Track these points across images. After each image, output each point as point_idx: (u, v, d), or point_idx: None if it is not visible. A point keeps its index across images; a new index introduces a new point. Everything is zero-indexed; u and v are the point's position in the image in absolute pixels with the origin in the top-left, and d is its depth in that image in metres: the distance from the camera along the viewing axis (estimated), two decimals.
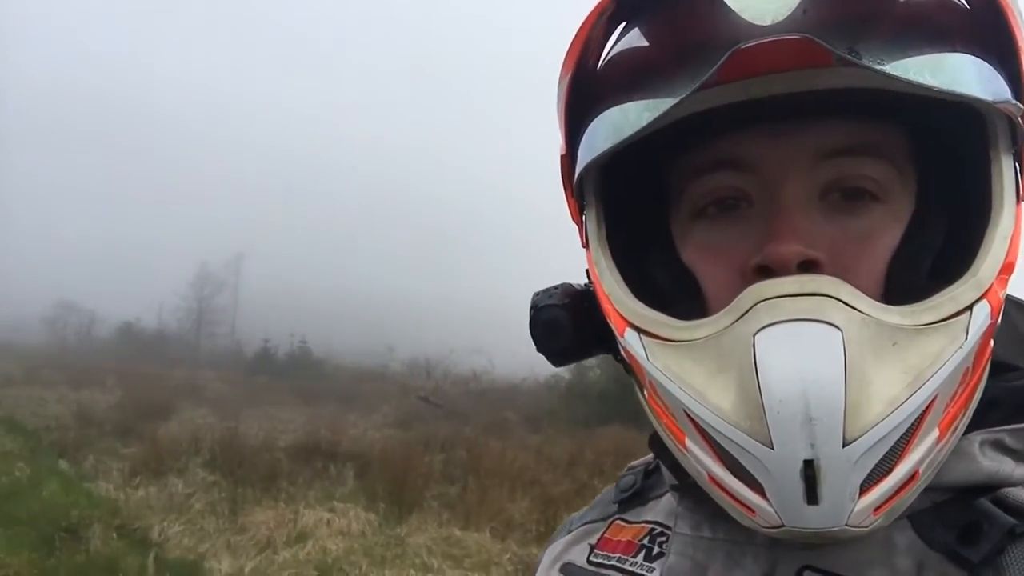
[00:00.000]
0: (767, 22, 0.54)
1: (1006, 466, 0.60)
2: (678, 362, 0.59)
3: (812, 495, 0.51)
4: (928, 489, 0.58)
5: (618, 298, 0.65)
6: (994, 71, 0.56)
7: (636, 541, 0.78)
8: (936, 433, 0.54)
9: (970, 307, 0.56)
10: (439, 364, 22.25)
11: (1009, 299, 0.66)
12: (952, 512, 0.59)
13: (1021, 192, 0.60)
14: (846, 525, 0.52)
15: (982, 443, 0.61)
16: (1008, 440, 0.61)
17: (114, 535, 7.05)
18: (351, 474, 10.46)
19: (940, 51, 0.54)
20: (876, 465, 0.52)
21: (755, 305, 0.55)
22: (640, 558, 0.75)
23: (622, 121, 0.59)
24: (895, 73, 0.51)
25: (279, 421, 15.29)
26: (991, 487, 0.59)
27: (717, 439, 0.56)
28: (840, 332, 0.52)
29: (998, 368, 0.64)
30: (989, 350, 0.60)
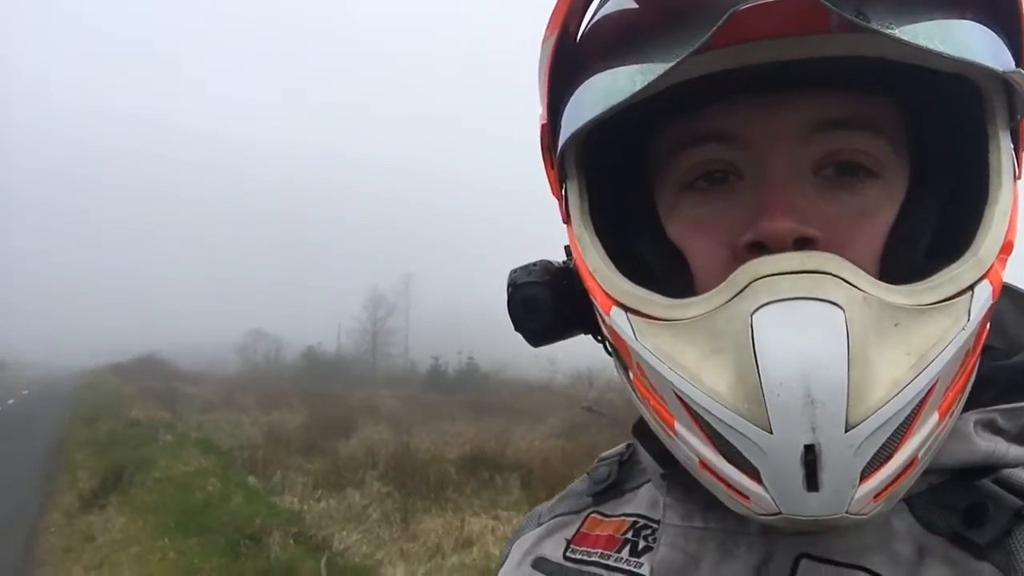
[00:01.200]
0: None
1: (1000, 447, 0.58)
2: (669, 342, 0.56)
3: (812, 481, 0.48)
4: (925, 471, 0.55)
5: (603, 275, 0.62)
6: (999, 41, 0.53)
7: (618, 535, 0.73)
8: (936, 417, 0.52)
9: (972, 287, 0.53)
10: (601, 374, 22.19)
11: None
12: (951, 494, 0.57)
13: (1019, 171, 0.58)
14: (846, 512, 0.49)
15: (976, 423, 0.59)
16: (1000, 420, 0.59)
17: (291, 542, 7.59)
18: (516, 483, 10.71)
19: (948, 16, 0.51)
20: (878, 450, 0.49)
21: (752, 283, 0.53)
22: (625, 553, 0.71)
23: (612, 87, 0.55)
24: (905, 38, 0.48)
25: (449, 435, 15.80)
26: (987, 468, 0.57)
27: (711, 423, 0.53)
28: (842, 311, 0.50)
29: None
30: (986, 331, 0.57)
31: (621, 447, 0.84)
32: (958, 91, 0.56)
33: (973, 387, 0.58)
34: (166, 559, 7.30)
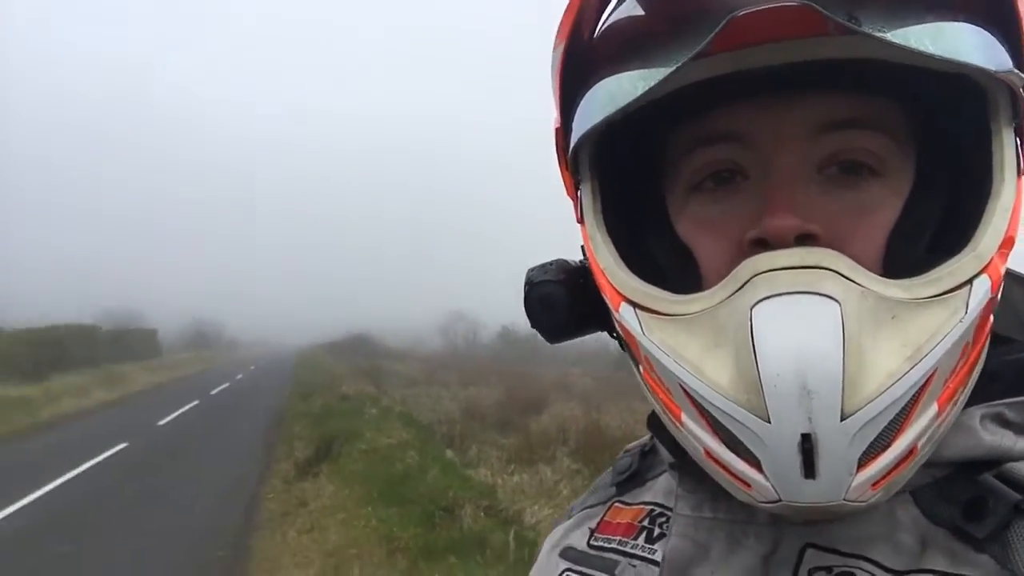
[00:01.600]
0: None
1: (1007, 440, 0.58)
2: (674, 336, 0.58)
3: (810, 469, 0.50)
4: (929, 464, 0.57)
5: (613, 272, 0.64)
6: (996, 41, 0.54)
7: (636, 523, 0.76)
8: (935, 408, 0.53)
9: (970, 281, 0.54)
10: None
11: (1009, 273, 0.63)
12: (955, 487, 0.58)
13: (1022, 166, 0.58)
14: (844, 500, 0.51)
15: (983, 417, 0.59)
16: (1008, 413, 0.60)
17: (483, 514, 7.79)
18: None
19: (942, 19, 0.52)
20: (874, 439, 0.51)
21: (752, 278, 0.54)
22: (641, 540, 0.74)
23: (617, 91, 0.57)
24: (896, 41, 0.49)
25: (639, 413, 15.68)
26: (992, 461, 0.58)
27: (713, 413, 0.54)
28: (838, 305, 0.51)
29: (995, 341, 0.61)
30: (989, 324, 0.58)
31: (645, 438, 0.85)
32: (962, 89, 0.56)
33: (981, 380, 0.59)
34: (368, 526, 7.72)
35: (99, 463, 12.86)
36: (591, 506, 0.85)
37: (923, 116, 0.62)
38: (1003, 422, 0.60)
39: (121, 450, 14.15)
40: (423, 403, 18.37)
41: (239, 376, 37.18)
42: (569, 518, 0.86)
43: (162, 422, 18.68)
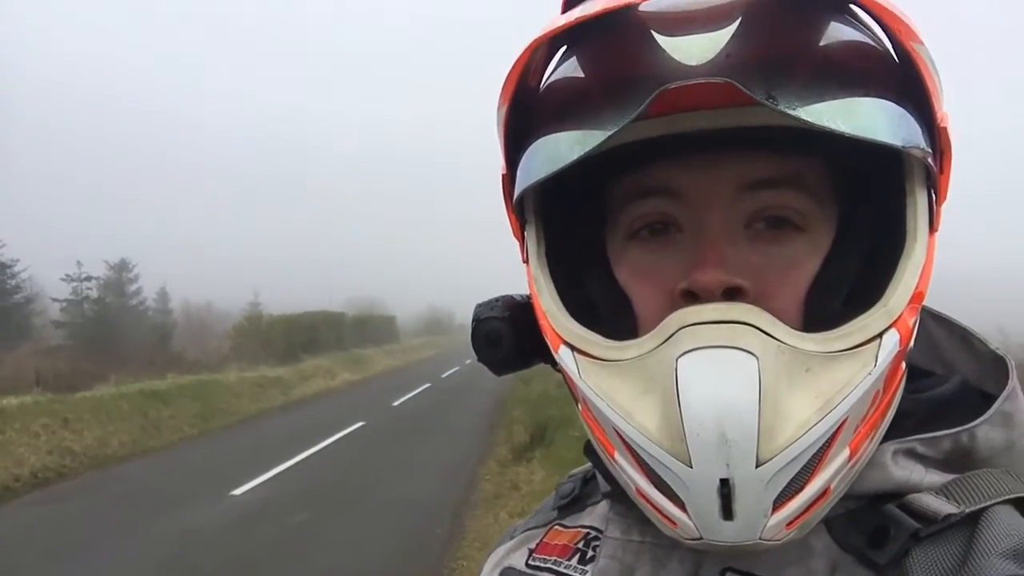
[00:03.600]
0: (693, 63, 0.56)
1: (916, 474, 0.63)
2: (607, 380, 0.62)
3: (728, 511, 0.54)
4: (844, 497, 0.61)
5: (553, 315, 0.67)
6: (907, 115, 0.57)
7: (572, 544, 0.80)
8: (847, 452, 0.57)
9: (880, 335, 0.58)
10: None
11: (925, 309, 0.71)
12: (865, 518, 0.62)
13: (935, 224, 0.62)
14: (759, 539, 0.55)
15: (895, 452, 0.64)
16: (919, 448, 0.64)
17: None
18: None
19: (854, 95, 0.55)
20: (788, 483, 0.54)
21: (678, 330, 0.58)
22: (574, 561, 0.78)
23: (555, 152, 0.61)
24: (808, 119, 0.53)
25: None
26: (902, 494, 0.62)
27: (643, 456, 0.58)
28: (756, 359, 0.54)
29: (915, 374, 0.68)
30: (901, 372, 0.63)
31: (587, 465, 0.88)
32: (880, 152, 0.57)
33: (895, 417, 0.63)
34: None
35: (338, 440, 14.07)
36: (532, 528, 0.89)
37: (843, 175, 0.66)
38: (915, 456, 0.64)
39: (359, 428, 15.38)
40: None
41: (468, 361, 39.00)
42: (511, 539, 0.90)
43: (396, 403, 20.10)
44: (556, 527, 0.85)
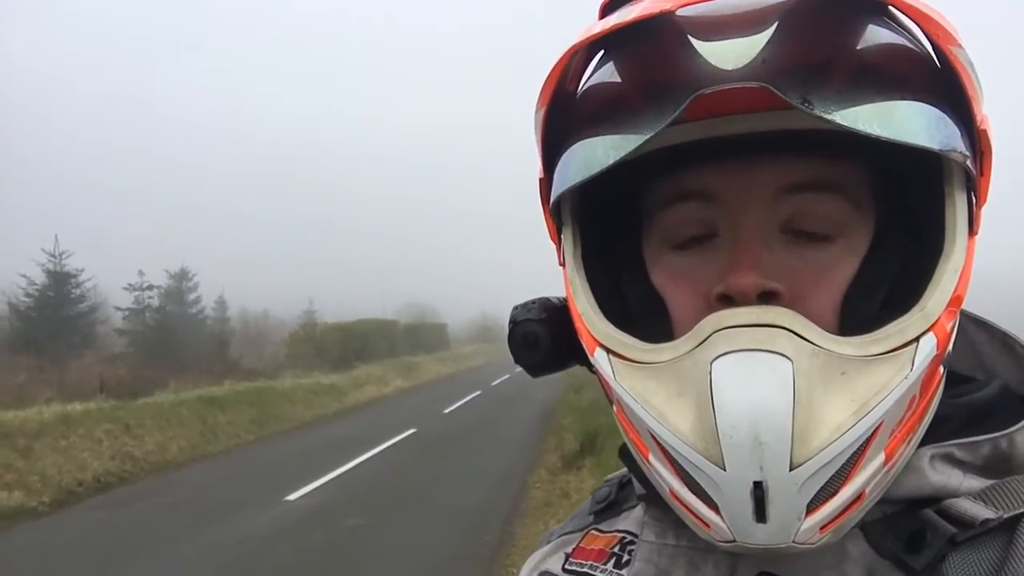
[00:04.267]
0: (729, 67, 0.56)
1: (954, 479, 0.63)
2: (643, 383, 0.62)
3: (761, 514, 0.54)
4: (880, 501, 0.61)
5: (589, 318, 0.68)
6: (945, 118, 0.57)
7: (608, 549, 0.80)
8: (882, 457, 0.57)
9: (917, 339, 0.57)
10: None
11: (966, 314, 0.72)
12: (901, 523, 0.62)
13: (975, 227, 0.62)
14: (793, 542, 0.55)
15: (932, 457, 0.63)
16: (957, 453, 0.64)
17: None
18: None
19: (891, 99, 0.55)
20: (822, 487, 0.54)
21: (713, 333, 0.58)
22: (610, 565, 0.78)
23: (591, 156, 0.61)
24: (844, 123, 0.53)
25: None
26: (939, 499, 0.62)
27: (676, 458, 0.58)
28: (791, 362, 0.54)
29: (955, 380, 0.68)
30: (939, 376, 0.62)
31: (624, 470, 0.87)
32: (918, 154, 0.57)
33: (933, 422, 0.63)
34: None
35: (391, 446, 14.19)
36: (569, 532, 0.89)
37: (881, 178, 0.66)
38: (952, 461, 0.64)
39: (410, 435, 15.50)
40: None
41: (518, 369, 38.79)
42: (548, 543, 0.91)
43: (447, 410, 20.19)
44: (593, 531, 0.85)
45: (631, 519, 0.82)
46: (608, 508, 0.87)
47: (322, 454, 13.28)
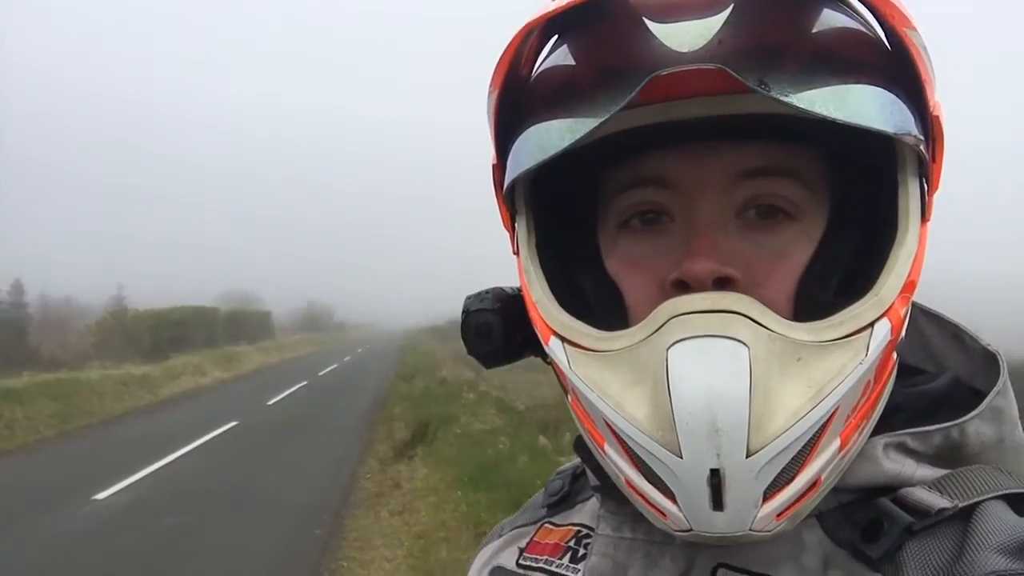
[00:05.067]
0: (685, 50, 0.56)
1: (908, 467, 0.63)
2: (598, 371, 0.61)
3: (718, 502, 0.54)
4: (835, 490, 0.61)
5: (544, 307, 0.67)
6: (899, 102, 0.57)
7: (563, 543, 0.79)
8: (838, 442, 0.57)
9: (871, 325, 0.58)
10: None
11: (917, 306, 0.73)
12: (857, 511, 0.62)
13: (927, 214, 0.62)
14: (750, 530, 0.55)
15: (886, 446, 0.63)
16: (910, 442, 0.64)
17: None
18: None
19: (846, 82, 0.55)
20: (779, 474, 0.54)
21: (669, 320, 0.57)
22: (566, 559, 0.77)
23: (546, 140, 0.60)
24: (800, 105, 0.53)
25: None
26: (893, 487, 0.62)
27: (632, 447, 0.58)
28: (747, 348, 0.54)
29: (905, 371, 0.68)
30: (892, 362, 0.62)
31: (576, 461, 0.87)
32: (872, 139, 0.57)
33: (886, 412, 0.63)
34: (458, 511, 7.84)
35: (211, 440, 13.49)
36: (521, 526, 0.88)
37: (836, 163, 0.66)
38: (905, 450, 0.64)
39: (231, 428, 14.81)
40: (521, 388, 18.44)
41: (347, 358, 38.39)
42: (500, 537, 0.89)
43: (271, 402, 19.48)
44: (546, 525, 0.84)
45: (586, 512, 0.81)
46: (562, 501, 0.86)
47: (135, 449, 12.42)
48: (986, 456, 0.65)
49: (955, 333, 0.75)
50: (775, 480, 0.54)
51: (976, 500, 0.59)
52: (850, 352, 0.57)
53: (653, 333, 0.58)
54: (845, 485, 0.62)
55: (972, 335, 0.74)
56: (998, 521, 0.57)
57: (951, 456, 0.64)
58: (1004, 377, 0.68)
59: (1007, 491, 0.60)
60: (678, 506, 0.56)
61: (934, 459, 0.64)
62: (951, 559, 0.56)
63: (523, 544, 0.84)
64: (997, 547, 0.55)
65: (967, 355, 0.73)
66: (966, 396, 0.68)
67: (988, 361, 0.71)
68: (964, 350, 0.74)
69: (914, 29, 0.58)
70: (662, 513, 0.57)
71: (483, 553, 0.89)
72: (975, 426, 0.65)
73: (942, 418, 0.65)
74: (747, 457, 0.53)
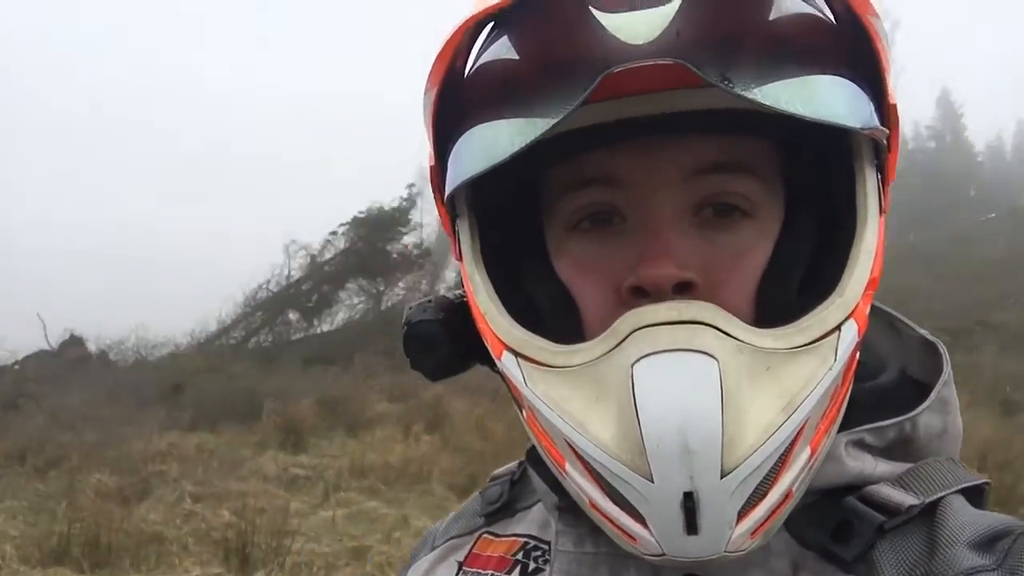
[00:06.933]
0: (639, 42, 0.53)
1: (868, 464, 0.62)
2: (556, 388, 0.58)
3: (692, 526, 0.51)
4: None
5: (493, 318, 0.63)
6: (861, 93, 0.55)
7: (509, 556, 0.75)
8: (808, 451, 0.55)
9: (838, 327, 0.56)
10: None
11: None
12: (822, 512, 0.60)
13: (884, 206, 0.60)
14: (725, 552, 0.53)
15: (847, 444, 0.62)
16: (868, 438, 0.63)
17: None
18: None
19: (809, 73, 0.53)
20: (752, 491, 0.52)
21: (632, 333, 0.54)
22: (515, 574, 0.72)
23: (492, 143, 0.57)
24: (765, 101, 0.50)
25: None
26: (857, 486, 0.60)
27: (598, 469, 0.55)
28: (717, 362, 0.52)
29: None
30: (855, 364, 0.60)
31: (512, 465, 0.84)
32: (828, 131, 0.55)
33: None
34: None
35: None
36: (456, 536, 0.83)
37: (791, 155, 0.64)
38: (863, 447, 0.63)
39: None
40: None
41: None
42: (433, 549, 0.84)
43: None
44: (485, 536, 0.79)
45: (529, 521, 0.77)
46: (501, 509, 0.81)
47: None
48: (932, 446, 0.65)
49: (890, 322, 0.73)
50: (749, 498, 0.52)
51: (940, 495, 0.59)
52: (819, 358, 0.55)
53: (615, 348, 0.55)
54: (810, 488, 0.59)
55: (908, 323, 0.72)
56: (963, 516, 0.57)
57: (902, 449, 0.64)
58: (949, 367, 0.67)
59: (965, 484, 0.61)
60: (649, 531, 0.53)
61: (886, 452, 0.63)
62: (923, 556, 0.56)
63: (460, 557, 0.79)
64: (967, 543, 0.55)
65: (901, 343, 0.72)
66: (911, 388, 0.68)
67: (926, 349, 0.70)
68: (899, 338, 0.72)
69: (876, 16, 0.56)
70: (631, 537, 0.55)
71: (417, 567, 0.83)
72: (925, 418, 0.64)
73: (891, 411, 0.64)
74: (721, 478, 0.50)
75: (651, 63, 0.51)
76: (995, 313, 19.42)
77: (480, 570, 0.75)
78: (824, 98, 0.53)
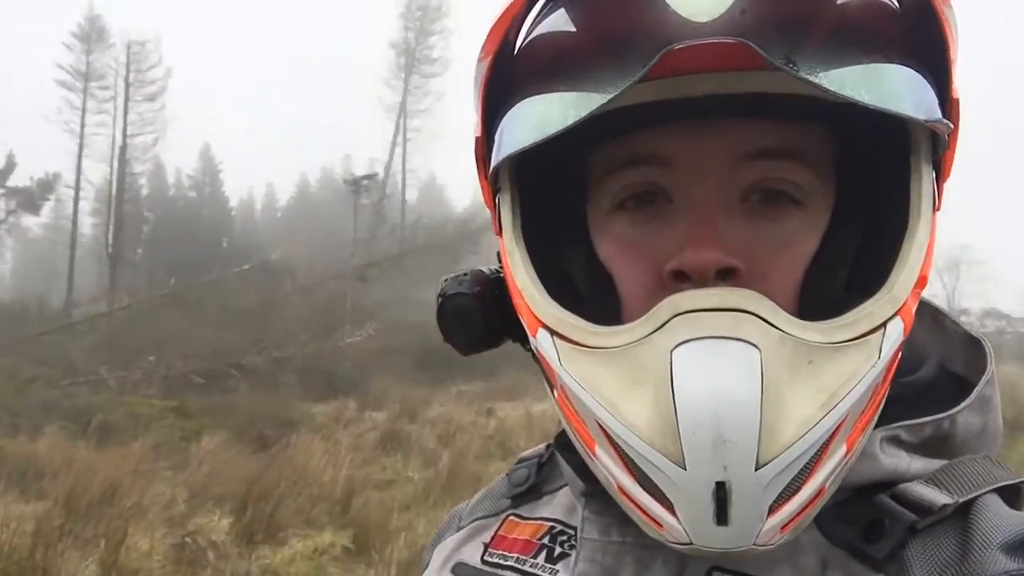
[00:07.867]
0: (702, 19, 0.51)
1: (903, 461, 0.60)
2: (592, 369, 0.56)
3: (722, 516, 0.50)
4: None
5: (531, 295, 0.61)
6: (926, 84, 0.53)
7: (535, 540, 0.74)
8: (844, 448, 0.53)
9: (884, 324, 0.54)
10: None
11: None
12: (853, 509, 0.59)
13: (938, 203, 0.58)
14: (753, 544, 0.51)
15: (882, 440, 0.60)
16: (904, 435, 0.61)
17: None
18: None
19: (875, 61, 0.51)
20: (786, 485, 0.51)
21: (673, 318, 0.53)
22: (541, 559, 0.71)
23: (544, 116, 0.55)
24: (830, 86, 0.48)
25: None
26: (890, 483, 0.59)
27: (628, 452, 0.53)
28: (758, 352, 0.50)
29: None
30: (897, 361, 0.58)
31: (540, 448, 0.84)
32: (885, 122, 0.54)
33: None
34: None
35: None
36: (482, 517, 0.82)
37: (845, 145, 0.62)
38: (899, 443, 0.61)
39: None
40: None
41: None
42: (459, 529, 0.83)
43: None
44: (512, 518, 0.78)
45: (556, 505, 0.76)
46: (528, 492, 0.80)
47: None
48: (970, 444, 0.63)
49: (935, 316, 0.71)
50: (782, 492, 0.51)
51: (975, 495, 0.58)
52: (863, 354, 0.53)
53: (655, 331, 0.53)
54: (843, 484, 0.58)
55: (952, 319, 0.71)
56: (997, 517, 0.56)
57: (937, 446, 0.62)
58: (993, 364, 0.66)
59: (1002, 483, 0.59)
60: (677, 518, 0.52)
61: (921, 449, 0.62)
62: (955, 557, 0.55)
63: (487, 539, 0.78)
64: (1001, 545, 0.54)
65: (945, 338, 0.71)
66: (951, 384, 0.66)
67: (971, 346, 0.68)
68: (942, 333, 0.71)
69: (950, 6, 0.55)
70: (658, 524, 0.53)
71: (443, 547, 0.82)
72: (964, 416, 0.63)
73: (930, 407, 0.63)
74: (756, 470, 0.49)
75: (715, 41, 0.50)
76: (248, 356, 21.32)
77: (506, 552, 0.75)
78: (890, 87, 0.51)
